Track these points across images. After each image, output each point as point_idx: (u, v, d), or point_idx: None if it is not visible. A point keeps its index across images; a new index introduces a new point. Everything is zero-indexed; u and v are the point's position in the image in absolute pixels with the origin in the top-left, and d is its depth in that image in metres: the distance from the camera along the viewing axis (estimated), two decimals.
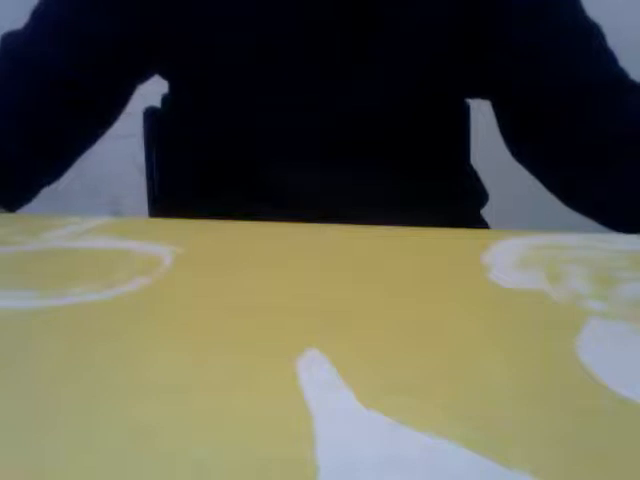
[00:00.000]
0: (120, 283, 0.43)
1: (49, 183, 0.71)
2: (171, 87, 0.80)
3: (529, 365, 0.34)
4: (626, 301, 0.40)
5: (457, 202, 0.79)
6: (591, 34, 0.69)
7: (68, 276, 0.45)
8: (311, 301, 0.41)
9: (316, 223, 0.54)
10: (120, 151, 1.53)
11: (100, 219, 0.56)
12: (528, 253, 0.48)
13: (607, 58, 0.69)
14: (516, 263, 0.46)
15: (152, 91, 0.81)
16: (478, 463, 0.26)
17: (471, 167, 0.86)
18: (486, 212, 0.84)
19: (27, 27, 0.70)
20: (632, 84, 0.68)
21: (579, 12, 0.70)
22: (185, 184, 0.81)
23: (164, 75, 0.79)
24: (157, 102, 0.86)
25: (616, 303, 0.40)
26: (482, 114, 0.78)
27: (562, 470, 0.26)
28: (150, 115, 0.92)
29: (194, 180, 0.79)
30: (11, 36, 0.70)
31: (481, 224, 0.82)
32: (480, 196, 0.84)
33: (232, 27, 0.69)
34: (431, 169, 0.76)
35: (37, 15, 0.70)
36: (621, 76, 0.69)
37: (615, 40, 0.70)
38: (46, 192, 0.71)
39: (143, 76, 0.76)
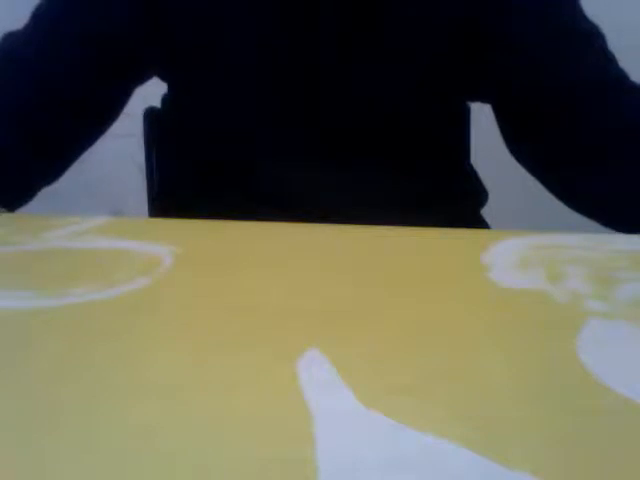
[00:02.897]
0: (120, 283, 0.43)
1: (49, 183, 0.71)
2: (170, 87, 0.80)
3: (529, 365, 0.34)
4: (626, 301, 0.40)
5: (457, 202, 0.79)
6: (591, 35, 0.69)
7: (68, 276, 0.45)
8: (311, 301, 0.41)
9: (316, 223, 0.54)
10: (120, 151, 1.53)
11: (100, 219, 0.56)
12: (528, 253, 0.48)
13: (607, 59, 0.69)
14: (516, 263, 0.46)
15: (152, 91, 0.81)
16: (478, 463, 0.26)
17: (471, 167, 0.86)
18: (486, 212, 0.84)
19: (27, 27, 0.70)
20: (632, 85, 0.68)
21: (579, 13, 0.70)
22: (185, 184, 0.81)
23: (163, 77, 0.79)
24: (157, 102, 0.86)
25: (616, 303, 0.40)
26: (484, 114, 0.78)
27: (562, 470, 0.26)
28: (150, 115, 0.92)
29: (194, 180, 0.79)
30: (11, 36, 0.70)
31: (481, 224, 0.82)
32: (480, 196, 0.84)
33: (232, 27, 0.69)
34: (431, 169, 0.76)
35: (37, 15, 0.70)
36: (621, 77, 0.69)
37: (615, 41, 0.70)
38: (46, 192, 0.71)
39: (143, 77, 0.76)
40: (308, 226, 0.55)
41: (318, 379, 0.32)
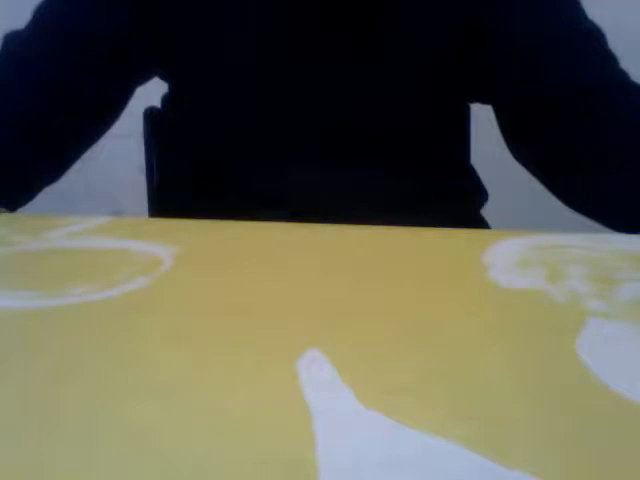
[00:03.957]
0: (120, 283, 0.43)
1: (50, 183, 0.71)
2: (171, 87, 0.80)
3: (529, 365, 0.34)
4: (626, 301, 0.40)
5: (457, 202, 0.79)
6: (592, 36, 0.69)
7: (68, 276, 0.45)
8: (311, 301, 0.41)
9: (316, 223, 0.54)
10: (120, 151, 1.53)
11: (100, 219, 0.56)
12: (528, 253, 0.48)
13: (608, 59, 0.69)
14: (516, 263, 0.46)
15: (152, 91, 0.81)
16: (478, 463, 0.26)
17: (471, 167, 0.86)
18: (486, 212, 0.84)
19: (28, 27, 0.70)
20: (632, 85, 0.68)
21: (580, 14, 0.70)
22: (185, 184, 0.81)
23: (163, 77, 0.79)
24: (157, 102, 0.86)
25: (616, 303, 0.40)
26: (484, 115, 0.78)
27: (562, 470, 0.26)
28: (150, 115, 0.92)
29: (194, 180, 0.79)
30: (12, 36, 0.70)
31: (481, 224, 0.82)
32: (480, 196, 0.84)
33: (232, 27, 0.69)
34: (431, 169, 0.76)
35: (38, 15, 0.70)
36: (621, 77, 0.69)
37: (616, 41, 0.70)
38: (46, 192, 0.71)
39: (143, 77, 0.76)
40: (308, 226, 0.55)
41: (318, 379, 0.32)
